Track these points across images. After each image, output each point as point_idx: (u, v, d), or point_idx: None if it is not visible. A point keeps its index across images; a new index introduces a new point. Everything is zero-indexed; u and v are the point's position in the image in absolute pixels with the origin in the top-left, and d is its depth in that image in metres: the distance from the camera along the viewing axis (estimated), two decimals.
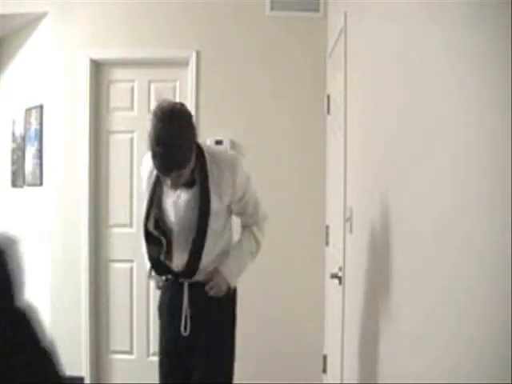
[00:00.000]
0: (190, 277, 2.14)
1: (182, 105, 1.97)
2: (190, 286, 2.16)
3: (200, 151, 2.08)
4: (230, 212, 2.23)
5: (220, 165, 2.11)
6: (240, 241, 2.27)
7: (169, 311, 2.25)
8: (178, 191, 2.10)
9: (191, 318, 2.15)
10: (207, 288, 2.14)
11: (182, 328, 2.13)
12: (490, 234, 1.03)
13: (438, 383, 1.30)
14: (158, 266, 2.19)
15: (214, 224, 2.12)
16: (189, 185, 2.07)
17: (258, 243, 2.27)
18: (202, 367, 2.14)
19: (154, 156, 1.86)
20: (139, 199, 3.44)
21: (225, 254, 2.21)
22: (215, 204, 2.09)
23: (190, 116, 1.95)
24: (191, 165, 1.99)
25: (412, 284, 1.58)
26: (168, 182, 2.01)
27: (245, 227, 2.31)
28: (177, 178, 1.96)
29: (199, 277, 2.15)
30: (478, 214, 1.09)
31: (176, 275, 2.18)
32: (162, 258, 2.16)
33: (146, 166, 2.20)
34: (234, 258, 2.20)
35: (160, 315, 2.32)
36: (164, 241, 2.15)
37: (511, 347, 0.91)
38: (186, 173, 1.98)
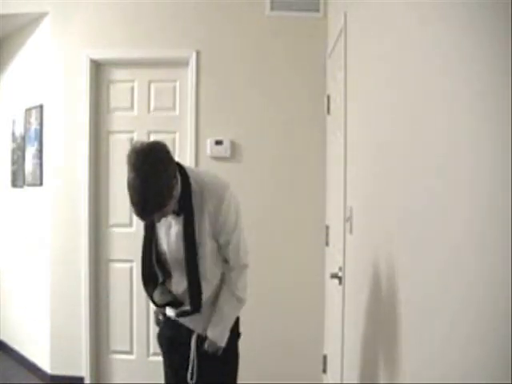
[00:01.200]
0: (198, 311, 2.11)
1: (158, 143, 1.91)
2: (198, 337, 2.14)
3: (185, 178, 2.02)
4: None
5: (205, 196, 2.04)
6: (220, 304, 2.14)
7: (170, 347, 2.25)
8: (169, 218, 2.06)
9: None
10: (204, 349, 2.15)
11: (189, 379, 2.12)
12: (490, 226, 1.03)
13: (437, 383, 1.30)
14: (153, 302, 2.19)
15: (205, 258, 2.07)
16: (178, 213, 2.03)
17: (240, 301, 2.18)
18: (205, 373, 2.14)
19: (132, 201, 1.82)
20: None
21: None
22: (201, 236, 2.05)
23: (165, 153, 1.89)
24: (174, 198, 1.93)
25: (412, 283, 1.58)
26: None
27: (225, 273, 2.18)
28: (159, 217, 1.93)
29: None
30: (476, 207, 1.09)
31: (181, 310, 2.15)
32: (158, 297, 2.15)
33: None
34: (217, 324, 2.13)
35: (161, 346, 2.31)
36: (161, 277, 2.15)
37: (511, 347, 0.91)
38: (169, 208, 1.93)
